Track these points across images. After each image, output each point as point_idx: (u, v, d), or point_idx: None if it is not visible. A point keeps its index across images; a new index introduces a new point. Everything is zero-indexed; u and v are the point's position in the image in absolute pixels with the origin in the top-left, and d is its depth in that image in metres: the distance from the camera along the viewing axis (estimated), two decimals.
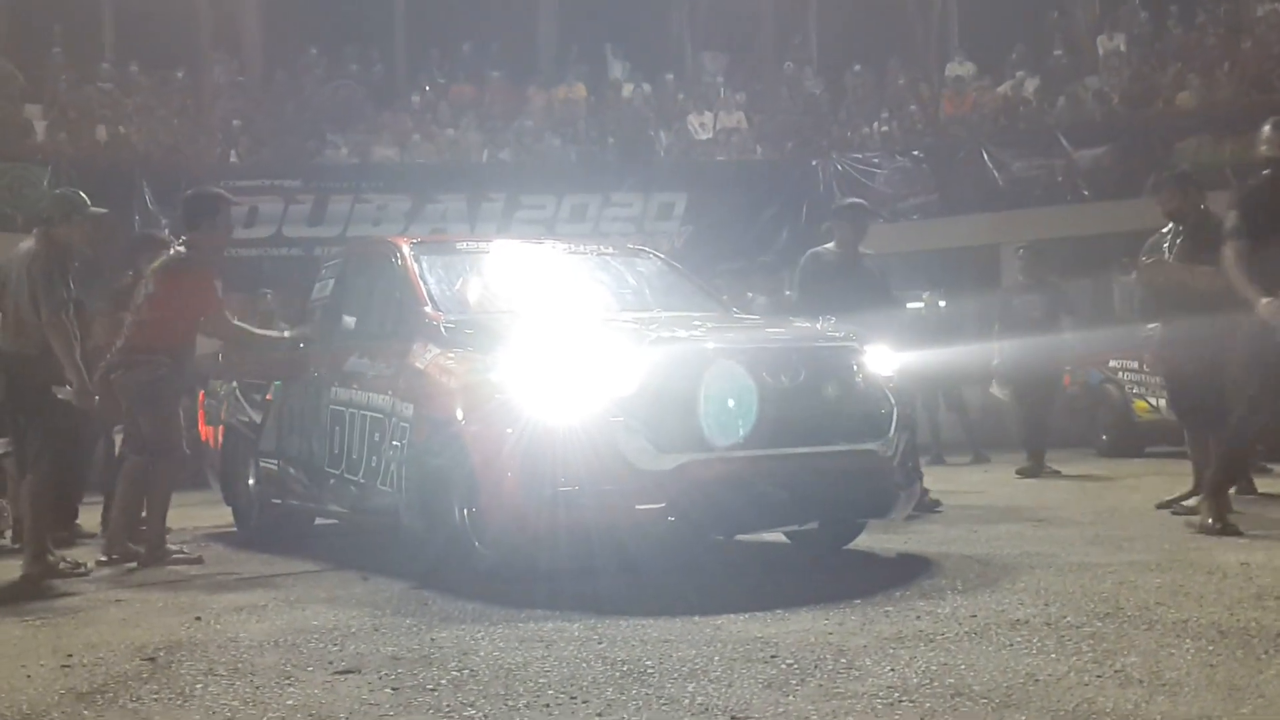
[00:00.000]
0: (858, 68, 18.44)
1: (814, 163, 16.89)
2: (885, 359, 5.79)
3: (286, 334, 7.60)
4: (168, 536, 6.79)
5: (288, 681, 3.68)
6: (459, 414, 5.43)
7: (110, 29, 18.41)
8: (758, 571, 5.83)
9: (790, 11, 20.13)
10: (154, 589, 5.69)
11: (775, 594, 4.84)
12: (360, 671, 3.75)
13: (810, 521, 5.66)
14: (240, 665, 3.92)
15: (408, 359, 5.91)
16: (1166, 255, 7.16)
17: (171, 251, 6.76)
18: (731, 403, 5.15)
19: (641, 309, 6.47)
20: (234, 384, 8.02)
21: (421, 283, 6.24)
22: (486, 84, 18.39)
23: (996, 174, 15.62)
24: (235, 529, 7.90)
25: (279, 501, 7.29)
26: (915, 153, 16.53)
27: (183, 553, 6.62)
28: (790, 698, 3.27)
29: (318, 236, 15.15)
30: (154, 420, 6.49)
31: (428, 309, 6.06)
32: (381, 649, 4.06)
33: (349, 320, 6.87)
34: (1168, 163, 12.57)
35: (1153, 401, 11.31)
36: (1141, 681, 3.29)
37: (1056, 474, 10.04)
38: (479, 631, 4.28)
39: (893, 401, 5.59)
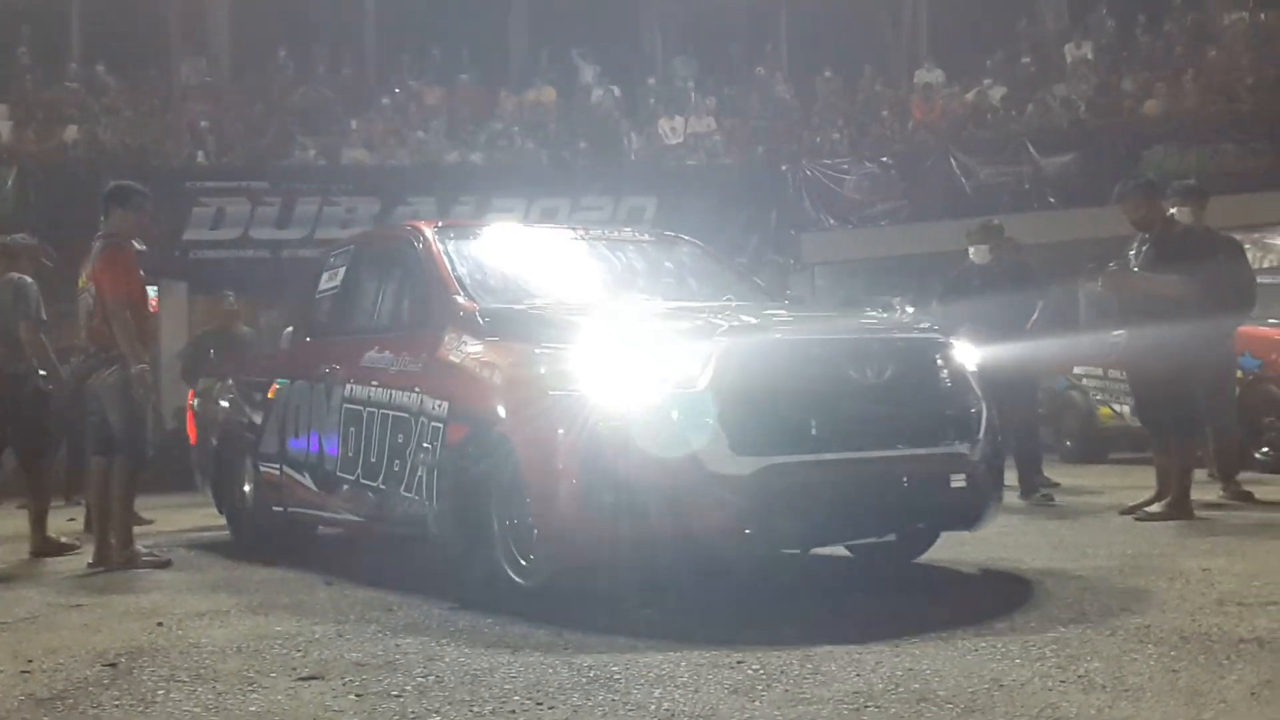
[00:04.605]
0: (828, 74, 18.53)
1: (784, 168, 16.94)
2: (969, 354, 5.32)
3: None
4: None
5: (250, 688, 3.65)
6: (504, 412, 4.94)
7: (78, 29, 18.28)
8: (724, 579, 5.81)
9: (761, 17, 20.20)
10: (115, 594, 5.63)
11: (743, 602, 4.84)
12: (324, 678, 3.73)
13: (895, 532, 5.17)
14: (202, 671, 3.88)
15: (438, 352, 5.42)
16: (1132, 263, 7.22)
17: (94, 245, 6.66)
18: (815, 400, 4.68)
19: (687, 298, 5.93)
20: (230, 382, 7.58)
21: (450, 269, 5.74)
22: (456, 87, 18.38)
23: (964, 181, 15.71)
24: (229, 535, 7.52)
25: (280, 509, 6.76)
26: (884, 159, 16.61)
27: (153, 555, 6.57)
28: (756, 703, 3.27)
29: (285, 239, 15.09)
30: (124, 417, 6.44)
31: (460, 297, 5.56)
32: (345, 655, 4.04)
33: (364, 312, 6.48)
34: (1134, 171, 12.67)
35: (1117, 408, 11.39)
36: (1104, 687, 3.31)
37: (1054, 486, 8.84)
38: (444, 637, 4.26)
39: (982, 399, 5.10)
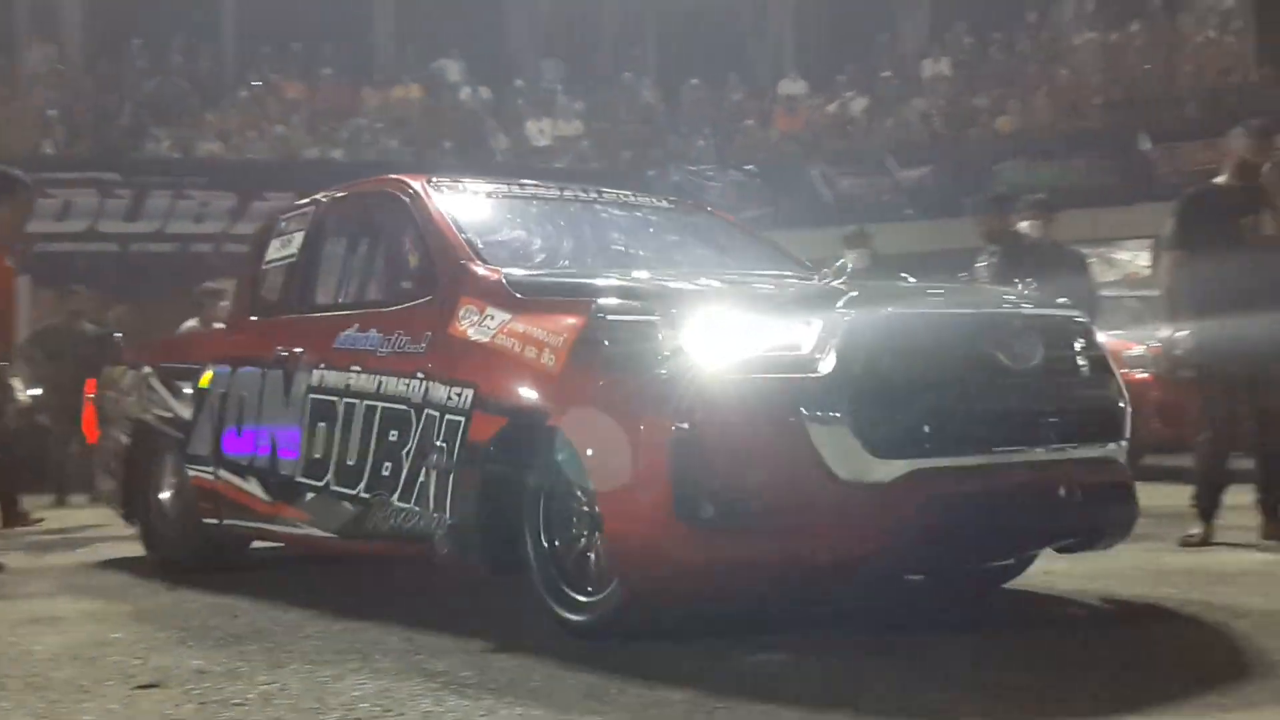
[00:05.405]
0: (695, 81, 18.70)
1: (650, 173, 17.03)
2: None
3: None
4: None
5: (84, 696, 3.51)
6: (558, 401, 3.99)
7: None
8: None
9: (630, 22, 20.30)
10: None
11: None
12: (163, 686, 3.60)
13: (1041, 549, 4.42)
14: (34, 680, 3.71)
15: (449, 329, 4.46)
16: (981, 275, 7.41)
17: None
18: (962, 389, 3.85)
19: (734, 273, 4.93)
20: (147, 370, 6.34)
21: (457, 230, 4.80)
22: (318, 81, 18.08)
23: (826, 190, 16.00)
24: (144, 550, 6.36)
25: (214, 521, 5.70)
26: (749, 167, 16.82)
27: None
28: (609, 706, 3.25)
29: (135, 232, 14.69)
30: None
31: (477, 267, 4.60)
32: (186, 662, 3.91)
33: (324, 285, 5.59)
34: (986, 185, 13.05)
35: None
36: (958, 685, 3.37)
37: None
38: (291, 644, 4.15)
39: (1126, 394, 4.32)
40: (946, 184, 15.20)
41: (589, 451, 3.85)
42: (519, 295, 4.36)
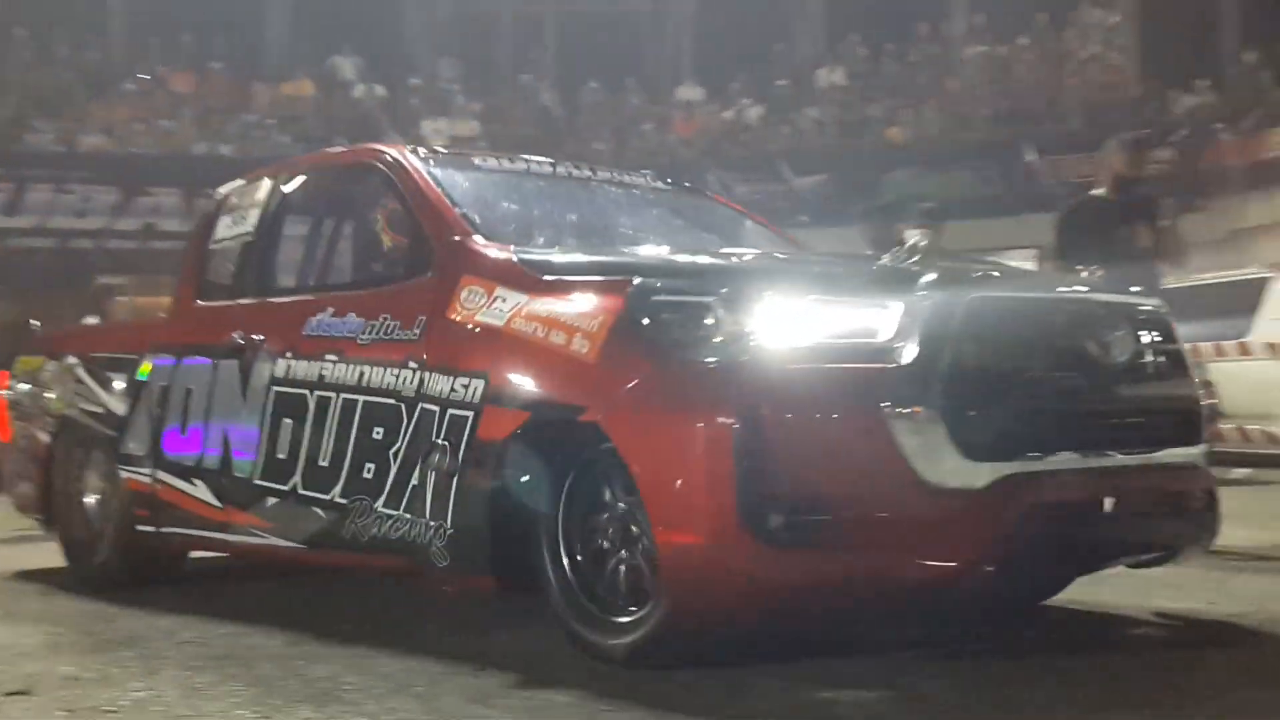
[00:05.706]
0: (594, 84, 18.73)
1: None
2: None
3: None
4: None
5: None
6: (595, 393, 3.51)
7: None
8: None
9: (528, 24, 20.27)
10: None
11: (481, 609, 4.79)
12: (31, 693, 3.49)
13: (1125, 562, 3.94)
14: None
15: (448, 313, 3.96)
16: None
17: None
18: (1056, 383, 3.51)
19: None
20: (72, 359, 5.69)
21: (450, 203, 4.28)
22: (208, 75, 17.75)
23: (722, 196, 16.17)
24: (66, 562, 5.73)
25: (151, 530, 5.14)
26: (646, 171, 16.88)
27: None
28: (494, 710, 3.24)
29: (13, 227, 14.33)
30: None
31: (481, 243, 4.11)
32: (58, 668, 3.79)
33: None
34: (875, 193, 13.28)
35: None
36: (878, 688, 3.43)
37: None
38: (167, 649, 4.06)
39: (1204, 393, 4.00)
40: (840, 192, 15.43)
41: (636, 451, 3.39)
42: (539, 275, 3.87)
